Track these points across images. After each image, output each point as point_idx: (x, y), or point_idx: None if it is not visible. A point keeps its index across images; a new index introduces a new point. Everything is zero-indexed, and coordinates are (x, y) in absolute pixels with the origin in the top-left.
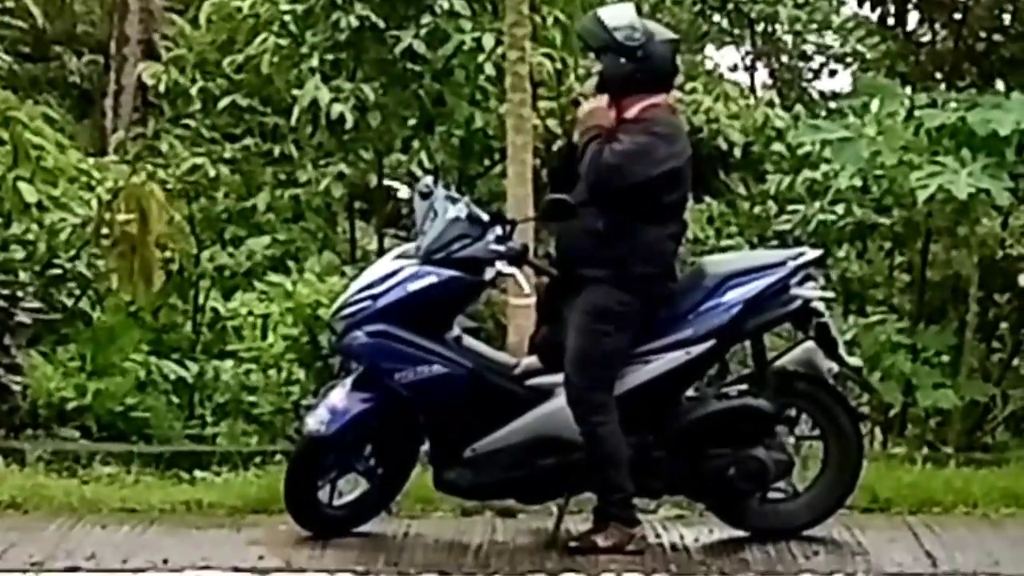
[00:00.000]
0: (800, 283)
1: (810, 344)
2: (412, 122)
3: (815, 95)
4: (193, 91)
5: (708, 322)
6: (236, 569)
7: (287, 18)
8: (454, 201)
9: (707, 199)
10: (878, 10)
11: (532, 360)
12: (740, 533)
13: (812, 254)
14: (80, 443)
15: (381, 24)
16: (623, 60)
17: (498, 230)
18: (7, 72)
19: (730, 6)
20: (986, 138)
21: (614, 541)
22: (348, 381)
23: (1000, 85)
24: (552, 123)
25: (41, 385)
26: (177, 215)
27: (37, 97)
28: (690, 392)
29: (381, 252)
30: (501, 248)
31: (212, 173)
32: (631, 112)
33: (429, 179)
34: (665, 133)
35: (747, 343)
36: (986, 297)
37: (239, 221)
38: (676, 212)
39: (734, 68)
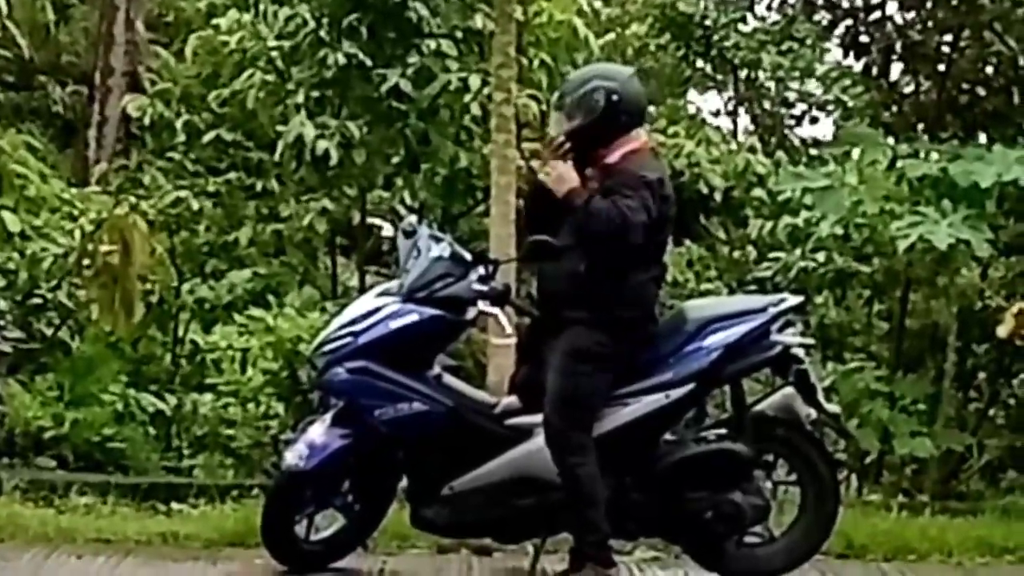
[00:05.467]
0: (780, 329)
1: (789, 390)
2: (396, 160)
3: (796, 142)
4: (178, 124)
5: (688, 366)
6: None
7: (274, 54)
8: (438, 240)
9: (687, 243)
10: (862, 60)
11: (512, 400)
12: None
13: (793, 300)
14: (57, 473)
15: (368, 62)
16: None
17: (481, 270)
18: None
19: (713, 51)
20: (967, 189)
21: None
22: (327, 417)
23: (982, 137)
24: (536, 164)
25: (19, 414)
26: (159, 247)
27: (20, 126)
28: (668, 435)
29: (362, 288)
30: (484, 288)
31: (195, 206)
32: (613, 157)
33: (413, 218)
34: (656, 180)
35: (726, 387)
36: (964, 347)
37: (220, 254)
38: (657, 255)
39: (716, 113)
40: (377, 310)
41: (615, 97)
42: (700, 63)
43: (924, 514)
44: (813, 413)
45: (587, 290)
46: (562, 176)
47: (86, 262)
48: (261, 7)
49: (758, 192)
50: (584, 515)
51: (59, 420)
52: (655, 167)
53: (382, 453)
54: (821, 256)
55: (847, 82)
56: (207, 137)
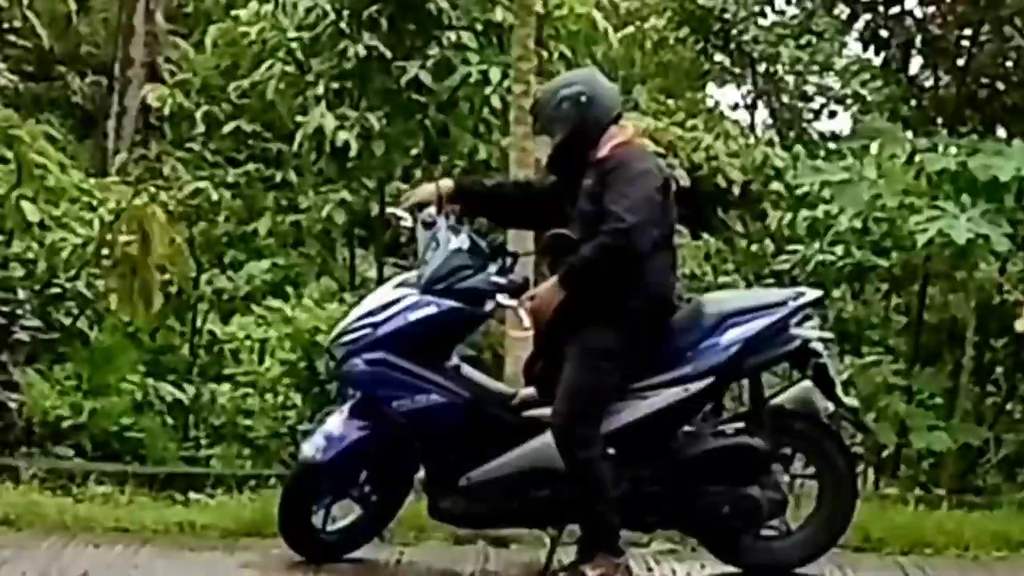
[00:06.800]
0: (799, 323)
1: (807, 384)
2: (415, 152)
3: (814, 136)
4: (197, 115)
5: (707, 360)
6: None
7: (294, 45)
8: (457, 232)
9: (705, 236)
10: (882, 54)
11: (529, 391)
12: (733, 569)
13: (812, 294)
14: (75, 462)
15: (388, 54)
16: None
17: (499, 262)
18: (11, 91)
19: (732, 45)
20: (986, 184)
21: (602, 571)
22: (345, 408)
23: (1001, 132)
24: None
25: (37, 403)
26: (178, 238)
27: (39, 116)
28: (686, 429)
29: (380, 280)
30: (502, 280)
31: (214, 197)
32: (602, 152)
33: (432, 209)
34: (646, 169)
35: (745, 381)
36: (982, 341)
37: (239, 245)
38: (667, 240)
39: (735, 107)
40: (395, 301)
41: (583, 99)
42: (719, 56)
43: (941, 508)
44: (831, 407)
45: (605, 282)
46: (541, 300)
47: (105, 252)
48: None
49: (776, 185)
50: (593, 506)
51: (77, 409)
52: (644, 156)
53: (399, 444)
54: (839, 250)
55: (866, 76)
56: (226, 128)
